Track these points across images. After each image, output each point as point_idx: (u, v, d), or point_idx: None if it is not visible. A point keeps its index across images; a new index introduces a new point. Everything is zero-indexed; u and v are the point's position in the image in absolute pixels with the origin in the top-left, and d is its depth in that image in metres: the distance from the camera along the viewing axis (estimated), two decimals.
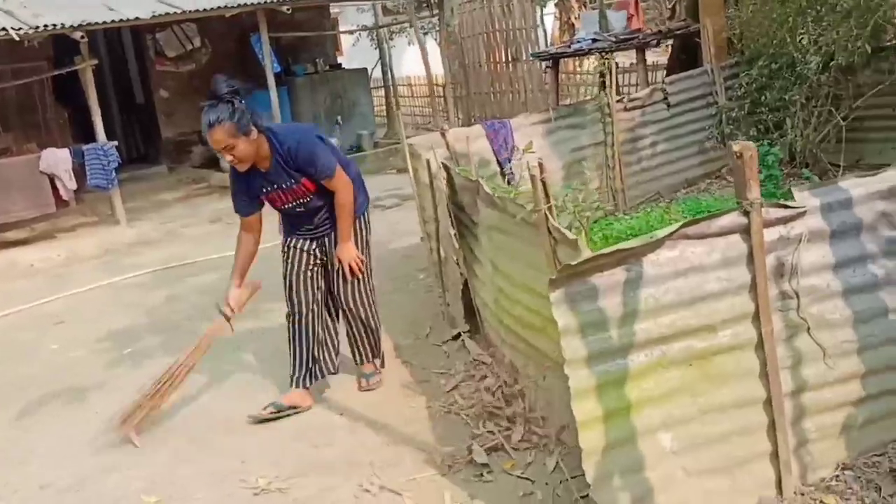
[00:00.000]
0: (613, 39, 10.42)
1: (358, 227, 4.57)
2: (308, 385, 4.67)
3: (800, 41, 7.25)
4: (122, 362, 5.84)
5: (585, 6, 17.39)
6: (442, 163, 5.18)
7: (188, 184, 13.39)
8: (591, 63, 15.28)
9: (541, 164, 3.27)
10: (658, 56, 14.99)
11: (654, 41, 10.92)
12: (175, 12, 11.42)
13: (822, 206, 3.09)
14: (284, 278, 4.60)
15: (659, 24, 12.85)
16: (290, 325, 4.63)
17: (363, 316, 4.69)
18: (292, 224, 4.59)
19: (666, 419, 2.95)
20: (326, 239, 4.56)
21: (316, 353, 4.66)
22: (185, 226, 10.71)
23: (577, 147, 7.58)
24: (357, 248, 4.55)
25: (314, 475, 3.95)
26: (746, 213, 2.92)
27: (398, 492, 3.68)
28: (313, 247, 4.56)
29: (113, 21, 10.74)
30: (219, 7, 11.60)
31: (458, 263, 5.12)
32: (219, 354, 5.33)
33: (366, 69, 16.19)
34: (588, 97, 11.95)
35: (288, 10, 12.29)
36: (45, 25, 9.99)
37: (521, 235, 3.80)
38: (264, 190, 4.39)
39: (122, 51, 15.40)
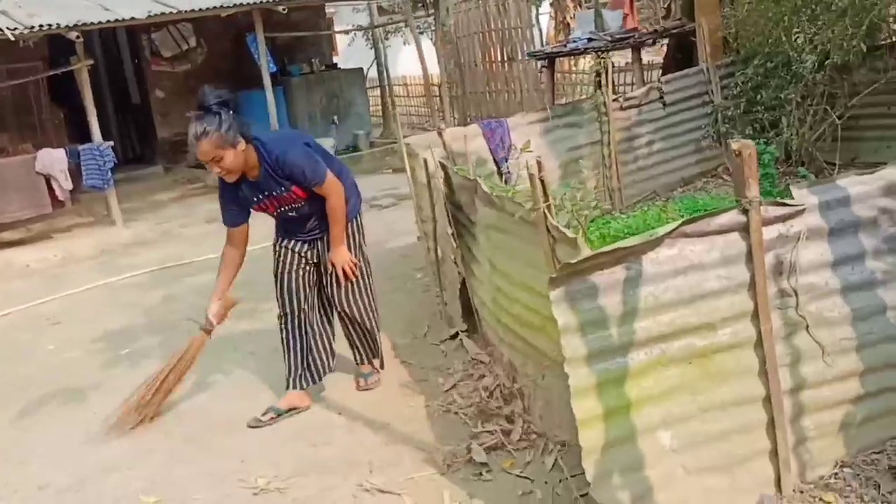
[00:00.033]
0: (609, 39, 10.43)
1: (351, 231, 4.56)
2: (305, 386, 4.67)
3: (795, 40, 7.27)
4: (119, 363, 5.83)
5: (581, 5, 17.40)
6: (439, 162, 5.18)
7: (184, 184, 13.37)
8: (586, 62, 15.30)
9: (539, 163, 3.27)
10: (653, 55, 15.02)
11: (650, 40, 10.93)
12: (171, 12, 11.40)
13: (820, 204, 3.10)
14: (276, 277, 4.59)
15: (653, 23, 12.85)
16: (283, 325, 4.62)
17: (359, 318, 4.69)
18: (285, 227, 4.58)
19: (666, 417, 2.96)
20: (319, 242, 4.55)
21: (311, 353, 4.65)
22: (181, 226, 10.70)
23: (573, 146, 7.58)
24: (350, 251, 4.54)
25: (313, 475, 3.95)
26: (745, 212, 2.92)
27: (397, 491, 3.68)
28: (305, 249, 4.55)
29: (108, 21, 10.72)
30: (214, 7, 11.58)
31: (455, 262, 5.12)
32: (217, 354, 5.33)
33: (361, 69, 16.19)
34: (584, 96, 11.97)
35: (284, 9, 12.26)
36: (41, 25, 9.96)
37: (519, 234, 3.80)
38: (255, 199, 4.37)
39: (118, 51, 15.36)
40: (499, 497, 3.55)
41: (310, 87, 14.81)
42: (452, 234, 5.00)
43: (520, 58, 13.44)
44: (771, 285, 3.03)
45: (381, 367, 4.93)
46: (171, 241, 9.94)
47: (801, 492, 3.15)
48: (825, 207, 3.11)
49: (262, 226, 4.65)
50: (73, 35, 10.16)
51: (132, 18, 10.89)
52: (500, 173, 6.92)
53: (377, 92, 17.32)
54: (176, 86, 14.48)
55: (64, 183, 10.35)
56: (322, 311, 4.74)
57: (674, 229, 2.87)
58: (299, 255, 4.55)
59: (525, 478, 3.65)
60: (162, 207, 12.06)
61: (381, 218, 9.20)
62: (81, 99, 10.74)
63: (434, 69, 14.24)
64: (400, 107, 18.10)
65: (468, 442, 3.97)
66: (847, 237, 3.16)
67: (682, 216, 5.04)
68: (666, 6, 13.14)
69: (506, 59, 13.72)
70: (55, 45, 11.51)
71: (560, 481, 3.54)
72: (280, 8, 12.20)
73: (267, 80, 12.35)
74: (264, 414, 4.57)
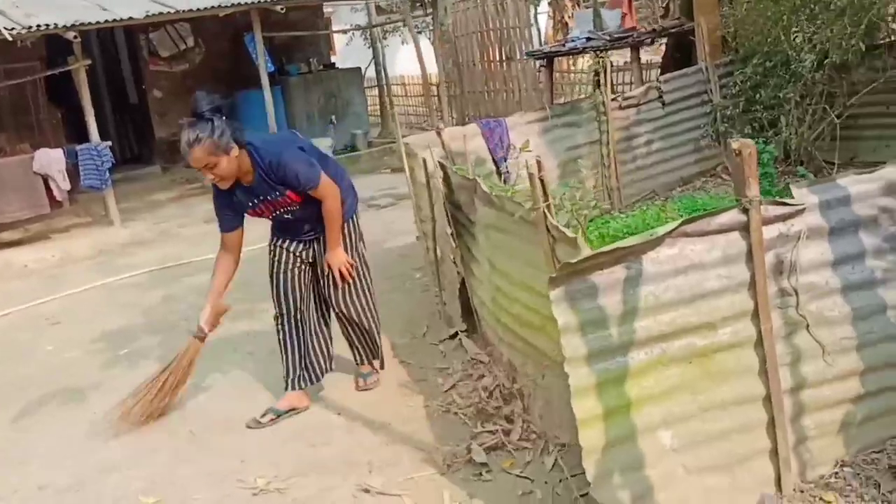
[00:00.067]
0: (608, 38, 10.42)
1: (347, 231, 4.55)
2: (303, 386, 4.66)
3: (794, 39, 7.26)
4: (118, 363, 5.83)
5: (579, 5, 17.39)
6: (438, 161, 5.17)
7: (182, 184, 13.35)
8: (584, 62, 15.29)
9: (539, 163, 3.27)
10: (652, 54, 15.03)
11: (649, 39, 10.92)
12: (168, 12, 11.40)
13: (820, 204, 3.10)
14: (271, 277, 4.58)
15: (652, 22, 12.85)
16: (279, 325, 4.62)
17: (357, 319, 4.68)
18: (281, 228, 4.57)
19: (666, 417, 2.96)
20: (315, 243, 4.54)
21: (309, 354, 4.65)
22: (179, 226, 10.70)
23: (572, 146, 7.58)
24: (347, 252, 4.53)
25: (313, 475, 3.95)
26: (746, 211, 2.92)
27: (397, 492, 3.68)
28: (301, 249, 4.54)
29: (106, 21, 10.72)
30: (212, 7, 11.58)
31: (455, 262, 5.11)
32: (216, 355, 5.32)
33: (359, 69, 16.19)
34: (582, 96, 11.96)
35: (282, 9, 12.26)
36: (38, 25, 9.96)
37: (519, 234, 3.79)
38: (250, 204, 4.36)
39: (116, 51, 15.35)
40: (499, 497, 3.55)
41: (308, 86, 14.81)
42: (451, 234, 4.99)
43: (518, 57, 13.43)
44: (771, 284, 3.03)
45: (382, 367, 4.93)
46: (170, 241, 9.93)
47: (802, 491, 3.14)
48: (825, 207, 3.11)
49: (258, 226, 4.64)
50: (70, 35, 10.16)
51: (130, 18, 10.89)
52: (498, 173, 6.91)
53: (375, 92, 17.32)
54: (174, 86, 14.47)
55: (62, 183, 10.35)
56: (319, 311, 4.73)
57: (674, 228, 2.87)
58: (295, 254, 4.54)
59: (525, 478, 3.65)
60: (160, 207, 12.05)
61: (380, 218, 9.20)
62: (79, 99, 10.74)
63: (432, 68, 14.24)
64: (398, 106, 18.10)
65: (468, 442, 3.96)
66: (847, 236, 3.16)
67: (681, 216, 5.04)
68: (664, 5, 13.14)
69: (504, 58, 13.71)
70: (53, 44, 11.50)
71: (560, 481, 3.54)
72: (278, 7, 12.21)
73: (265, 80, 12.35)
74: (263, 415, 4.56)
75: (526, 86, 13.39)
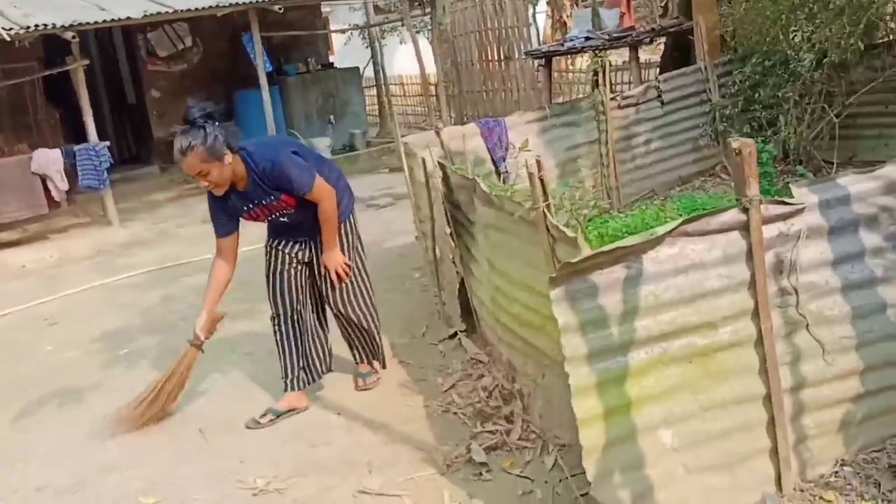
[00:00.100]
0: (606, 37, 10.41)
1: (343, 232, 4.54)
2: (302, 387, 4.66)
3: (793, 38, 7.27)
4: (118, 363, 5.82)
5: (577, 4, 17.38)
6: (438, 161, 5.17)
7: (180, 184, 13.31)
8: (583, 61, 15.29)
9: (539, 162, 3.27)
10: (651, 54, 15.02)
11: (647, 39, 10.92)
12: (166, 12, 11.39)
13: (820, 203, 3.10)
14: (267, 278, 4.58)
15: (650, 21, 12.85)
16: (276, 326, 4.61)
17: (355, 319, 4.68)
18: (277, 230, 4.56)
19: (666, 416, 2.96)
20: (312, 243, 4.53)
21: (307, 354, 4.64)
22: (177, 226, 10.69)
23: (571, 145, 7.58)
24: (343, 252, 4.53)
25: (312, 475, 3.94)
26: (746, 210, 2.92)
27: (397, 492, 3.67)
28: (297, 250, 4.54)
29: (104, 21, 10.71)
30: (210, 6, 11.57)
31: (454, 262, 5.11)
32: (215, 355, 5.32)
33: (358, 68, 16.19)
34: (581, 95, 11.96)
35: (280, 9, 12.26)
36: (36, 25, 9.95)
37: (518, 233, 3.79)
38: (245, 208, 4.35)
39: (114, 51, 15.34)
40: (499, 497, 3.55)
41: (306, 86, 14.81)
42: (451, 234, 4.99)
43: (517, 57, 13.41)
44: (771, 284, 3.03)
45: (383, 366, 4.92)
46: (168, 241, 9.93)
47: (802, 490, 3.15)
48: (825, 206, 3.11)
49: (257, 225, 4.63)
50: (68, 35, 10.15)
51: (128, 18, 10.88)
52: (497, 173, 6.91)
53: (373, 91, 17.31)
54: (172, 86, 14.47)
55: (60, 183, 10.34)
56: (316, 311, 4.73)
57: (675, 228, 2.87)
58: (291, 256, 4.53)
59: (525, 477, 3.65)
60: (158, 207, 12.04)
61: (379, 218, 9.20)
62: (77, 99, 10.72)
63: (430, 68, 14.23)
64: (396, 106, 18.10)
65: (468, 442, 3.96)
66: (847, 235, 3.16)
67: (680, 215, 5.04)
68: (663, 4, 13.14)
69: (503, 57, 13.69)
70: (51, 45, 11.49)
71: (560, 481, 3.53)
72: (276, 7, 12.21)
73: (263, 80, 12.34)
74: (263, 416, 4.56)
75: (524, 85, 13.38)
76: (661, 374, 2.94)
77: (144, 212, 11.74)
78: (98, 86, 14.68)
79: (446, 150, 6.20)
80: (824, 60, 7.10)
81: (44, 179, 10.27)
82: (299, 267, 4.56)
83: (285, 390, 4.64)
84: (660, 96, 8.08)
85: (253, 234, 4.69)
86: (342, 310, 4.63)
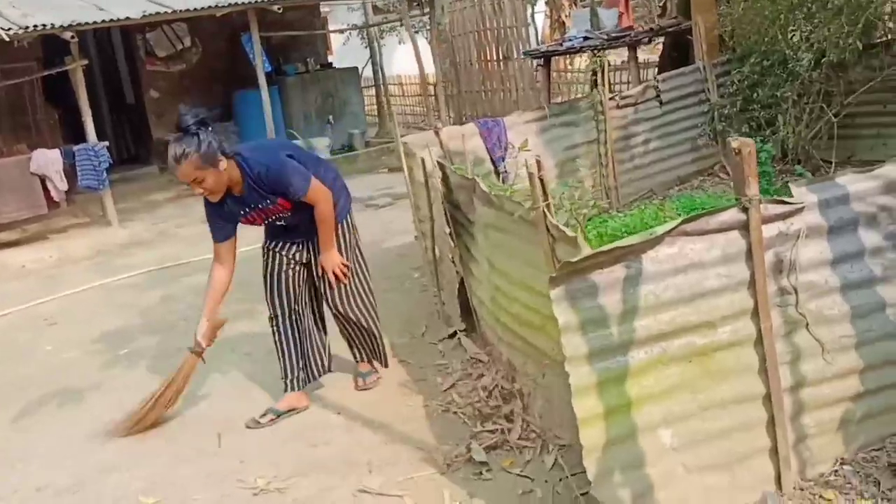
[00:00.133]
0: (605, 37, 10.41)
1: (340, 232, 4.54)
2: (302, 387, 4.66)
3: (791, 38, 7.27)
4: (118, 363, 5.82)
5: (576, 4, 17.38)
6: (437, 161, 5.18)
7: (179, 184, 13.19)
8: (582, 61, 15.29)
9: (538, 162, 3.27)
10: (649, 54, 15.02)
11: (646, 39, 10.93)
12: (165, 12, 11.39)
13: (819, 202, 3.10)
14: (265, 280, 4.58)
15: (649, 21, 12.86)
16: (274, 327, 4.61)
17: (354, 319, 4.68)
18: (274, 233, 4.57)
19: (666, 416, 2.96)
20: (310, 244, 4.53)
21: (306, 354, 4.65)
22: (177, 226, 10.69)
23: (570, 145, 7.58)
24: (341, 253, 4.53)
25: (313, 475, 3.95)
26: (745, 210, 2.93)
27: (397, 491, 3.68)
28: (294, 250, 4.54)
29: (103, 21, 10.70)
30: (209, 7, 11.57)
31: (453, 262, 5.12)
32: (216, 356, 5.30)
33: (357, 68, 16.18)
34: (579, 95, 11.97)
35: (279, 9, 12.27)
36: (35, 25, 9.95)
37: (518, 233, 3.80)
38: (241, 213, 4.35)
39: (113, 51, 15.34)
40: (499, 496, 3.55)
41: (305, 86, 14.81)
42: (450, 234, 5.00)
43: (515, 57, 13.42)
44: (771, 283, 3.04)
45: (385, 365, 4.92)
46: (168, 242, 9.93)
47: (802, 489, 3.15)
48: (825, 205, 3.11)
49: (254, 228, 4.62)
50: (67, 35, 10.14)
51: (127, 18, 10.87)
52: (497, 172, 6.92)
53: (372, 91, 17.30)
54: (171, 86, 14.47)
55: (59, 183, 10.34)
56: (314, 311, 4.73)
57: (674, 227, 2.87)
58: (288, 257, 4.53)
59: (525, 477, 3.65)
60: (158, 207, 12.04)
61: (378, 217, 9.20)
62: (76, 99, 10.72)
63: (429, 68, 14.24)
64: (395, 106, 18.11)
65: (468, 441, 3.96)
66: (846, 235, 3.16)
67: (679, 215, 5.04)
68: (661, 4, 13.15)
69: (501, 57, 13.70)
70: (50, 45, 11.50)
71: (560, 480, 3.54)
72: (275, 7, 12.21)
73: (262, 80, 12.34)
74: (263, 416, 4.56)
75: (523, 85, 13.39)
76: (661, 373, 2.94)
77: (144, 212, 11.74)
78: (97, 86, 14.67)
79: (445, 150, 6.20)
80: (823, 60, 7.11)
81: (43, 180, 10.27)
82: (297, 268, 4.56)
83: (285, 390, 4.64)
84: (658, 96, 8.09)
85: (254, 234, 4.69)
86: (341, 309, 4.63)
